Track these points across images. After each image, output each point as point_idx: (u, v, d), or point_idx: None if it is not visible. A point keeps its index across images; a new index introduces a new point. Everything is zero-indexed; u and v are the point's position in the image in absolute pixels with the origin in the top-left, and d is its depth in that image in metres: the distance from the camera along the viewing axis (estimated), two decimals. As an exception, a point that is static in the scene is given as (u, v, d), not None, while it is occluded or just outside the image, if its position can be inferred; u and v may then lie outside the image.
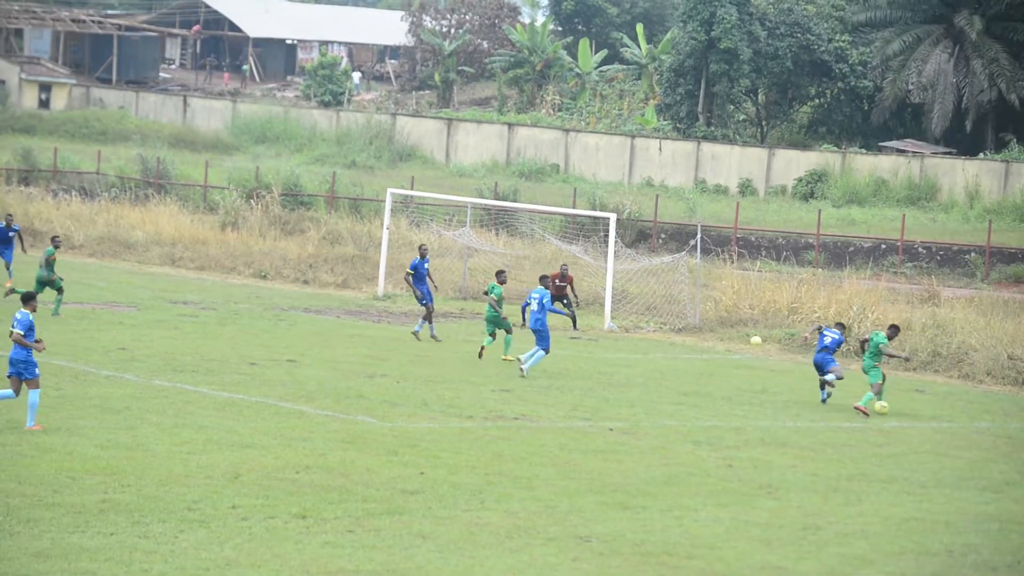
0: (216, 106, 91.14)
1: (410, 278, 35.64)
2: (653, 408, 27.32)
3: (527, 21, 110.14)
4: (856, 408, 28.22)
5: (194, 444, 20.91)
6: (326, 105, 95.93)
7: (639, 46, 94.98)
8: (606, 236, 43.26)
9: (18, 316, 21.27)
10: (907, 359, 31.53)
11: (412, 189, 59.21)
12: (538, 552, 16.44)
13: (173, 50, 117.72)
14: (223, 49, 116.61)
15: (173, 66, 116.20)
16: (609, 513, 18.47)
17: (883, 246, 58.76)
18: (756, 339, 39.18)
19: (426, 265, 35.85)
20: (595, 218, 50.57)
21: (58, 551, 15.29)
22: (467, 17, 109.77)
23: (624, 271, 43.71)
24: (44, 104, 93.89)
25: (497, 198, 59.73)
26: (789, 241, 59.91)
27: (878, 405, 28.32)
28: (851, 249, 58.78)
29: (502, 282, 32.91)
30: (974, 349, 35.78)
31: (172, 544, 15.81)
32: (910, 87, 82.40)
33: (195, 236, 51.84)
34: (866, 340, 29.02)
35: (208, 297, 41.02)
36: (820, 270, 52.80)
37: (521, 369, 29.89)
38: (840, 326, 29.91)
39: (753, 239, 60.12)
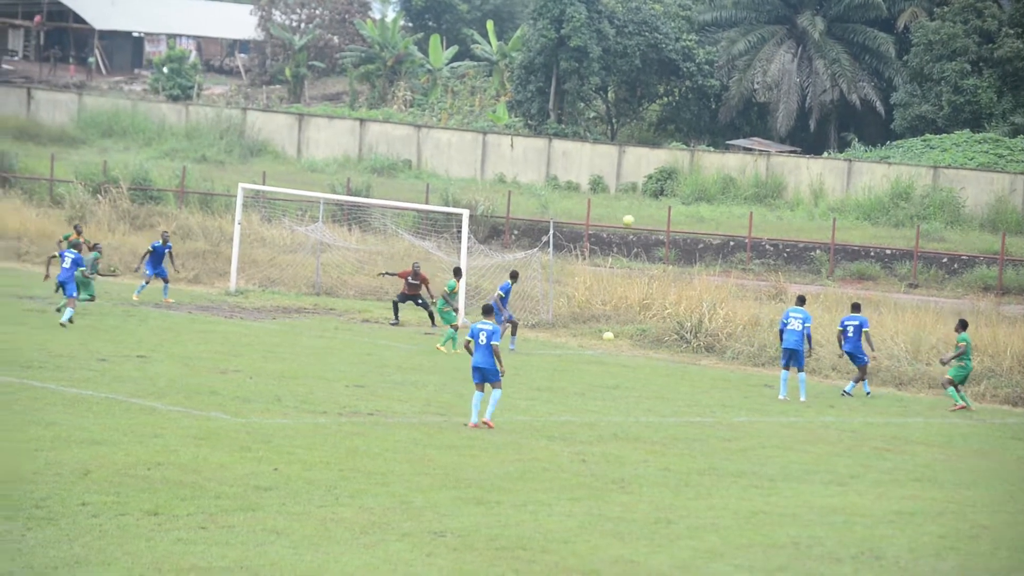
0: (61, 99, 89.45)
1: (500, 299, 36.83)
2: (507, 403, 27.43)
3: (378, 16, 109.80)
4: None
5: (42, 441, 20.58)
6: (175, 99, 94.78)
7: (490, 43, 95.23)
8: (459, 232, 43.34)
9: (489, 327, 23.93)
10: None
11: (264, 184, 58.74)
12: (392, 548, 16.44)
13: (16, 41, 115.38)
14: (68, 41, 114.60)
15: (16, 58, 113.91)
16: (463, 508, 18.53)
17: (731, 243, 59.57)
18: (608, 335, 39.51)
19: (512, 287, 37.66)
20: (448, 214, 50.62)
21: (-98, 551, 14.97)
22: (317, 12, 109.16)
23: (477, 267, 43.82)
24: None
25: (349, 194, 59.52)
26: (640, 238, 60.47)
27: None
28: (700, 246, 59.50)
29: (457, 278, 36.77)
30: (819, 345, 36.42)
31: (19, 542, 15.54)
32: (755, 86, 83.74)
33: (41, 230, 50.94)
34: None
35: (56, 292, 40.29)
36: (671, 267, 53.41)
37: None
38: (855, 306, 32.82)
39: (605, 236, 60.59)
